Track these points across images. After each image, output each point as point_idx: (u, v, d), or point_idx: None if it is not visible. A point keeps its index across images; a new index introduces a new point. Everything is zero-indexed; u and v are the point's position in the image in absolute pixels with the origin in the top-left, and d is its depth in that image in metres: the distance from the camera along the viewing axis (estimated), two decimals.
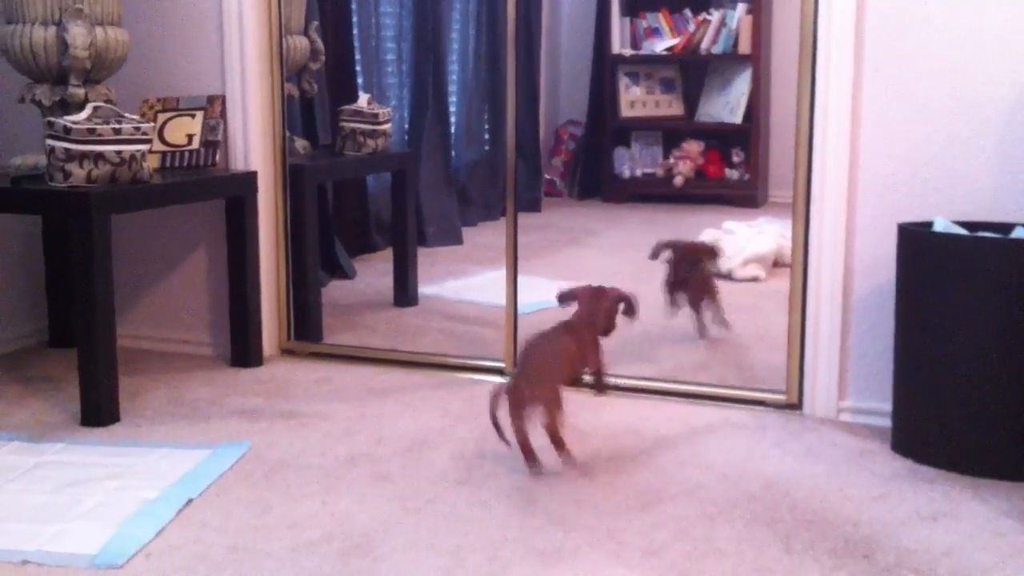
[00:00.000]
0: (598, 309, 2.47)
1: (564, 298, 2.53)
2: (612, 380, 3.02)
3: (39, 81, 3.02)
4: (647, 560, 1.97)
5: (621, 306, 2.50)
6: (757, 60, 5.05)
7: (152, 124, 2.99)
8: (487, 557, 1.98)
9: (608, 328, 2.49)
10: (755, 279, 4.16)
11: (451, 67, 4.87)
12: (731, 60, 5.16)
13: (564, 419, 2.40)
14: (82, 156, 2.72)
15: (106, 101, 2.99)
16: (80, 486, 2.31)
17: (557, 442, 2.38)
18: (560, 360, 2.40)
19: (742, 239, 4.29)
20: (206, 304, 3.43)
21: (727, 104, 5.17)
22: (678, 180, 5.21)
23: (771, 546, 2.03)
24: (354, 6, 4.29)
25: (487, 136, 5.19)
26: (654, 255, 3.37)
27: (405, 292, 4.00)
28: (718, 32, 5.15)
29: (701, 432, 2.68)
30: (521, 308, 3.21)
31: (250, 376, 3.18)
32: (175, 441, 2.61)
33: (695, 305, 3.40)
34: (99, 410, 2.73)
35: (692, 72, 5.37)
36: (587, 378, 2.52)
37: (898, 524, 2.14)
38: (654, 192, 5.30)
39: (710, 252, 3.47)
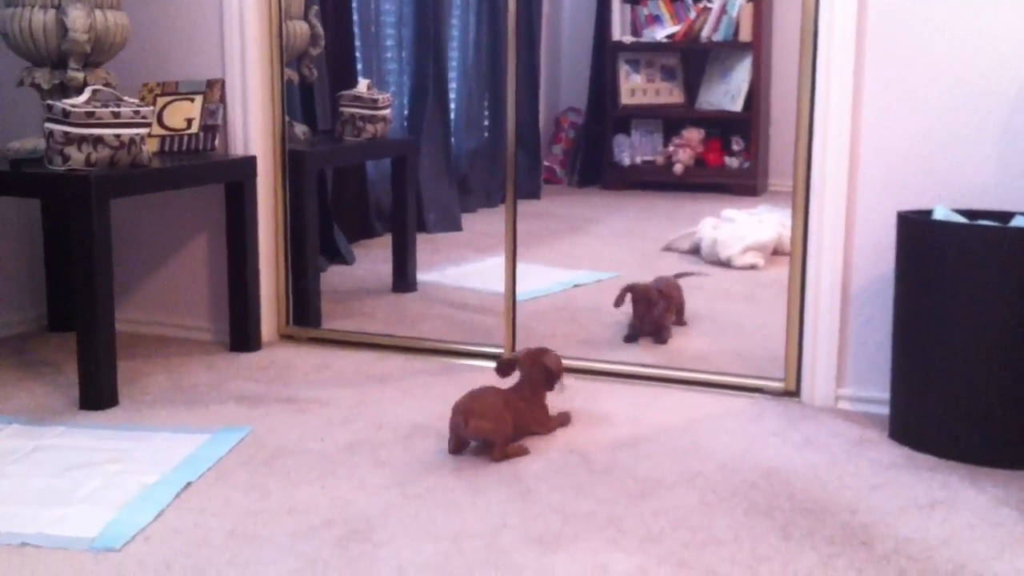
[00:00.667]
0: (538, 368, 2.56)
1: (505, 366, 2.61)
2: (612, 368, 3.03)
3: (38, 64, 3.01)
4: (645, 547, 1.98)
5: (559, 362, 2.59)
6: (758, 48, 5.04)
7: (151, 108, 2.98)
8: (486, 543, 1.98)
9: (550, 383, 2.57)
10: (753, 267, 4.16)
11: (451, 54, 4.86)
12: (732, 48, 5.15)
13: (510, 449, 2.43)
14: (81, 139, 2.71)
15: (105, 85, 2.98)
16: (79, 470, 2.31)
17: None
18: (506, 406, 2.45)
19: (742, 227, 4.29)
20: (205, 289, 3.43)
21: (727, 92, 5.16)
22: (678, 168, 5.20)
23: (769, 534, 2.03)
24: None
25: (487, 123, 5.18)
26: (617, 303, 3.37)
27: (404, 278, 4.00)
28: (719, 20, 5.14)
29: (700, 420, 2.68)
30: (520, 295, 3.21)
31: (249, 361, 3.18)
32: (174, 425, 2.61)
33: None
34: (98, 394, 2.73)
35: (693, 60, 5.36)
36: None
37: (896, 512, 2.14)
38: (654, 180, 5.29)
39: (669, 294, 3.41)
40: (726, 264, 4.18)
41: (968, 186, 2.60)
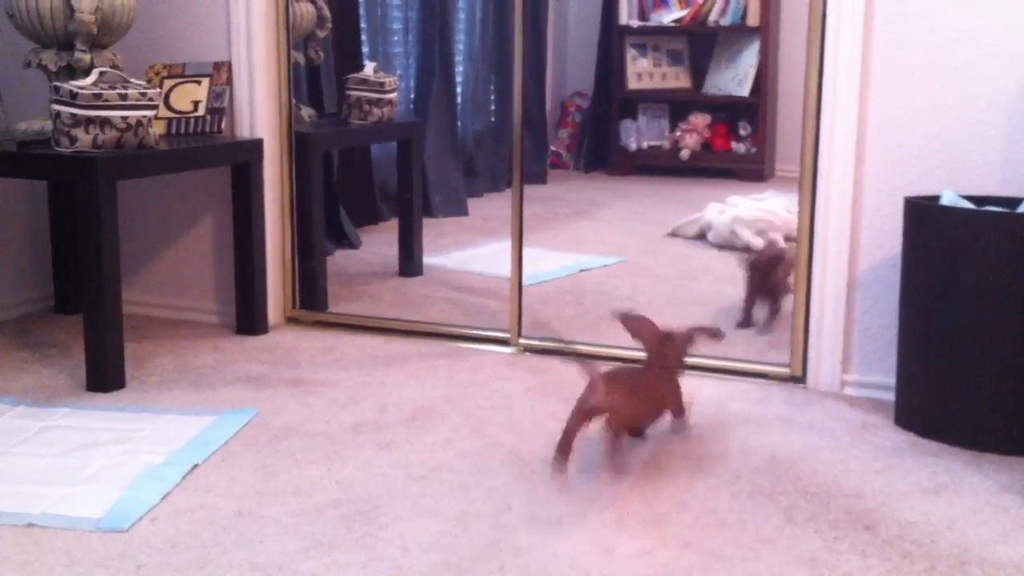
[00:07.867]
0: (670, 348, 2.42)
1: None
2: (619, 352, 3.03)
3: (45, 46, 3.01)
4: (650, 530, 1.98)
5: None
6: (766, 32, 5.02)
7: (158, 90, 2.97)
8: (490, 525, 1.99)
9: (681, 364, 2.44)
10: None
11: (458, 37, 4.84)
12: (739, 32, 5.12)
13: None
14: (88, 121, 2.71)
15: (112, 66, 2.98)
16: (86, 450, 2.32)
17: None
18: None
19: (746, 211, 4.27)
20: (211, 271, 3.44)
21: (735, 77, 5.14)
22: (685, 153, 5.19)
23: (773, 517, 2.04)
24: None
25: (493, 107, 5.17)
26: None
27: (410, 262, 4.00)
28: (727, 4, 5.11)
29: (705, 404, 2.68)
30: (526, 279, 3.21)
31: (255, 344, 3.19)
32: (181, 407, 2.62)
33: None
34: (105, 376, 2.74)
35: (700, 44, 5.33)
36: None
37: (900, 497, 2.14)
38: (660, 165, 5.28)
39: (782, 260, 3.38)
40: (744, 249, 4.15)
41: (977, 169, 2.59)
